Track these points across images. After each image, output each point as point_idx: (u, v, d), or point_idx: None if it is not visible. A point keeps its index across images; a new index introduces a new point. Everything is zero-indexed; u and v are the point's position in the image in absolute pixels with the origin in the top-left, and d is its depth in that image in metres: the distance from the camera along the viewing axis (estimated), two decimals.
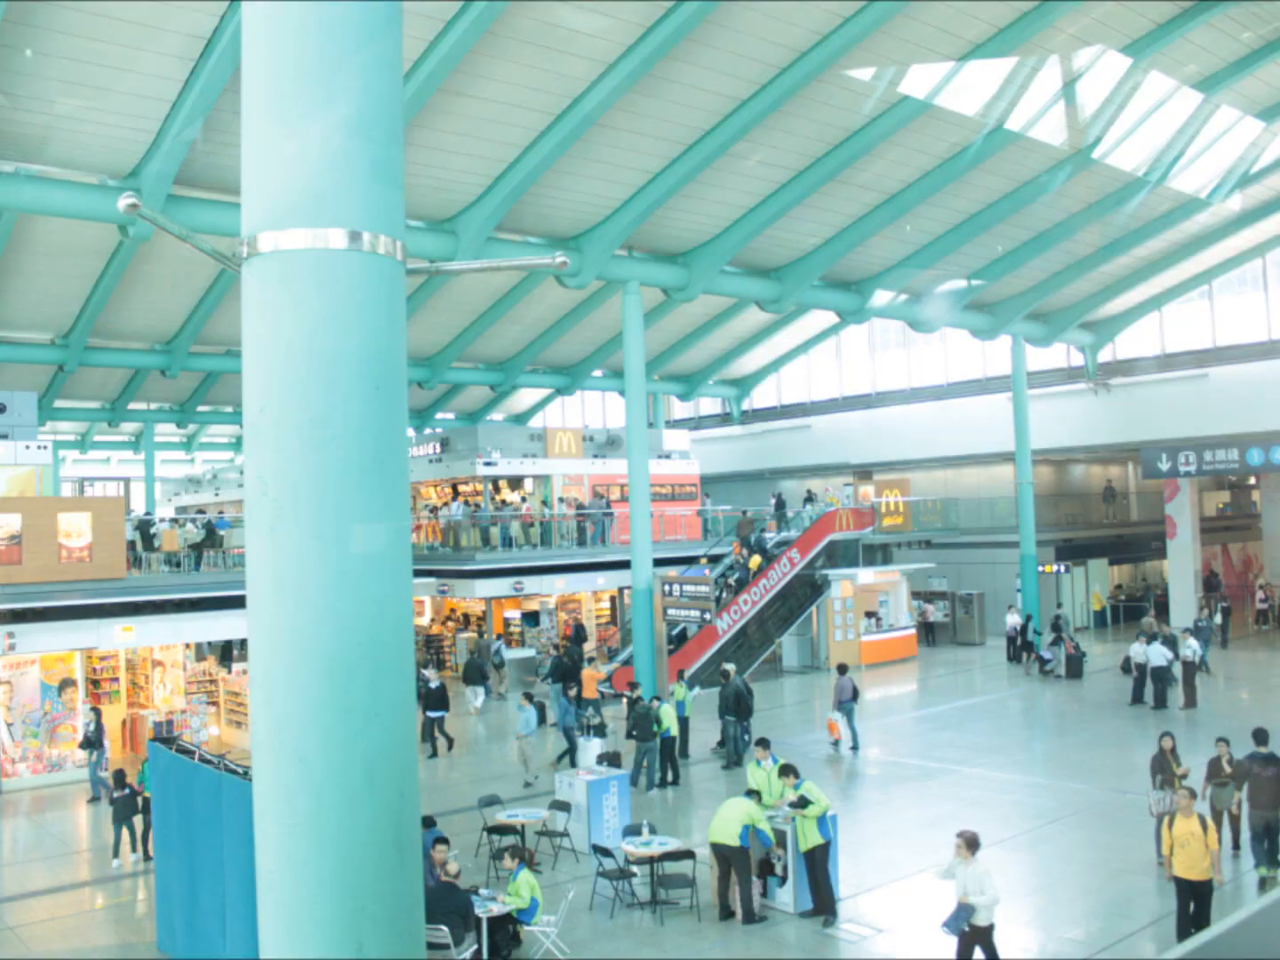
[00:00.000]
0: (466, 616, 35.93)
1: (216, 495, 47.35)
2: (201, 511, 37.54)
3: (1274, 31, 23.88)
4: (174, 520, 30.34)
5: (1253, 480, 46.73)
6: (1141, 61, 23.19)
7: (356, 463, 4.15)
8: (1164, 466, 35.39)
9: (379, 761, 4.12)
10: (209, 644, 29.32)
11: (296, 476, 4.11)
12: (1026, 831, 16.43)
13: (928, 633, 37.89)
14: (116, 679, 25.58)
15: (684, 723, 21.76)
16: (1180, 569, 39.35)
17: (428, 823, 13.87)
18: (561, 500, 35.72)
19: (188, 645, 26.46)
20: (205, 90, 17.59)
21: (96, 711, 22.01)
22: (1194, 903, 11.84)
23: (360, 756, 4.09)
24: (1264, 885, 13.63)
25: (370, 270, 4.24)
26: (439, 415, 48.45)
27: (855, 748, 22.15)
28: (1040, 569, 36.99)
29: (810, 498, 36.49)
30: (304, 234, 4.15)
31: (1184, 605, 39.22)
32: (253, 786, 4.24)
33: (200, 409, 43.09)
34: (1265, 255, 36.32)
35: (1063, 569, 39.60)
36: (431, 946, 11.01)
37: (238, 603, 22.97)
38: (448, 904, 11.42)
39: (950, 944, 11.00)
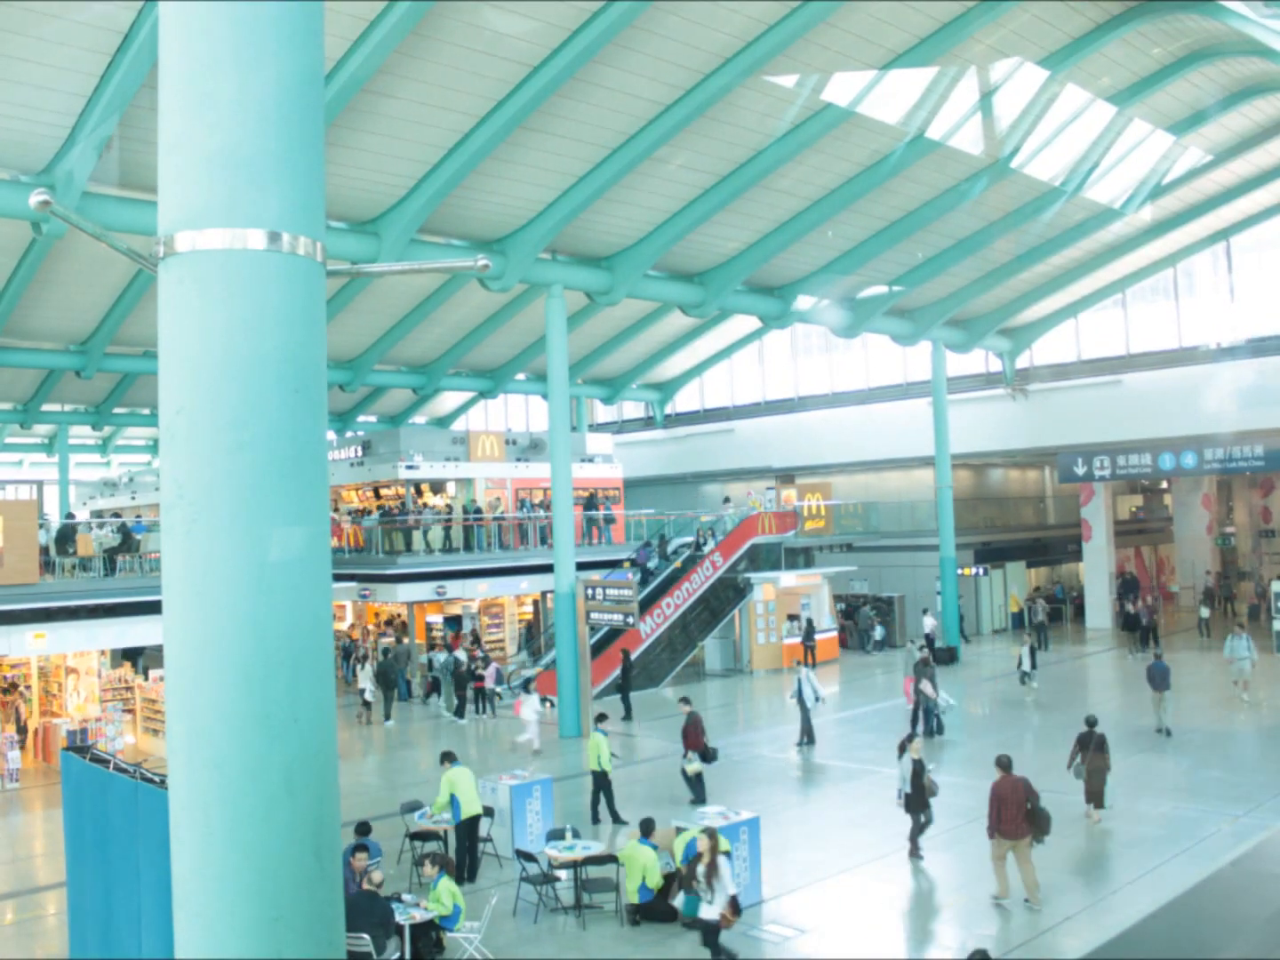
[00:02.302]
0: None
1: (133, 499, 46.47)
2: (118, 515, 36.80)
3: (1183, 48, 24.51)
4: (89, 524, 29.76)
5: (1165, 484, 47.86)
6: (1058, 74, 23.67)
7: (275, 466, 4.08)
8: (1079, 471, 36.16)
9: (298, 768, 4.06)
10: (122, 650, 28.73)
11: (213, 480, 4.03)
12: (947, 831, 16.64)
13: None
14: (29, 686, 24.99)
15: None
16: (1095, 571, 40.21)
17: (363, 829, 13.70)
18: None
19: (103, 652, 25.91)
20: (122, 85, 17.23)
21: None
22: None
23: (278, 764, 4.02)
24: None
25: (290, 271, 4.17)
26: (361, 418, 47.97)
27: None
28: (959, 572, 37.49)
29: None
30: (222, 234, 4.07)
31: (1099, 607, 40.12)
32: (168, 795, 4.16)
33: (116, 411, 42.19)
34: (1176, 265, 37.25)
35: (981, 571, 40.20)
36: (353, 956, 10.90)
37: (154, 608, 22.52)
38: (369, 912, 11.30)
39: (868, 947, 11.10)
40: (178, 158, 4.17)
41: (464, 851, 15.26)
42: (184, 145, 4.15)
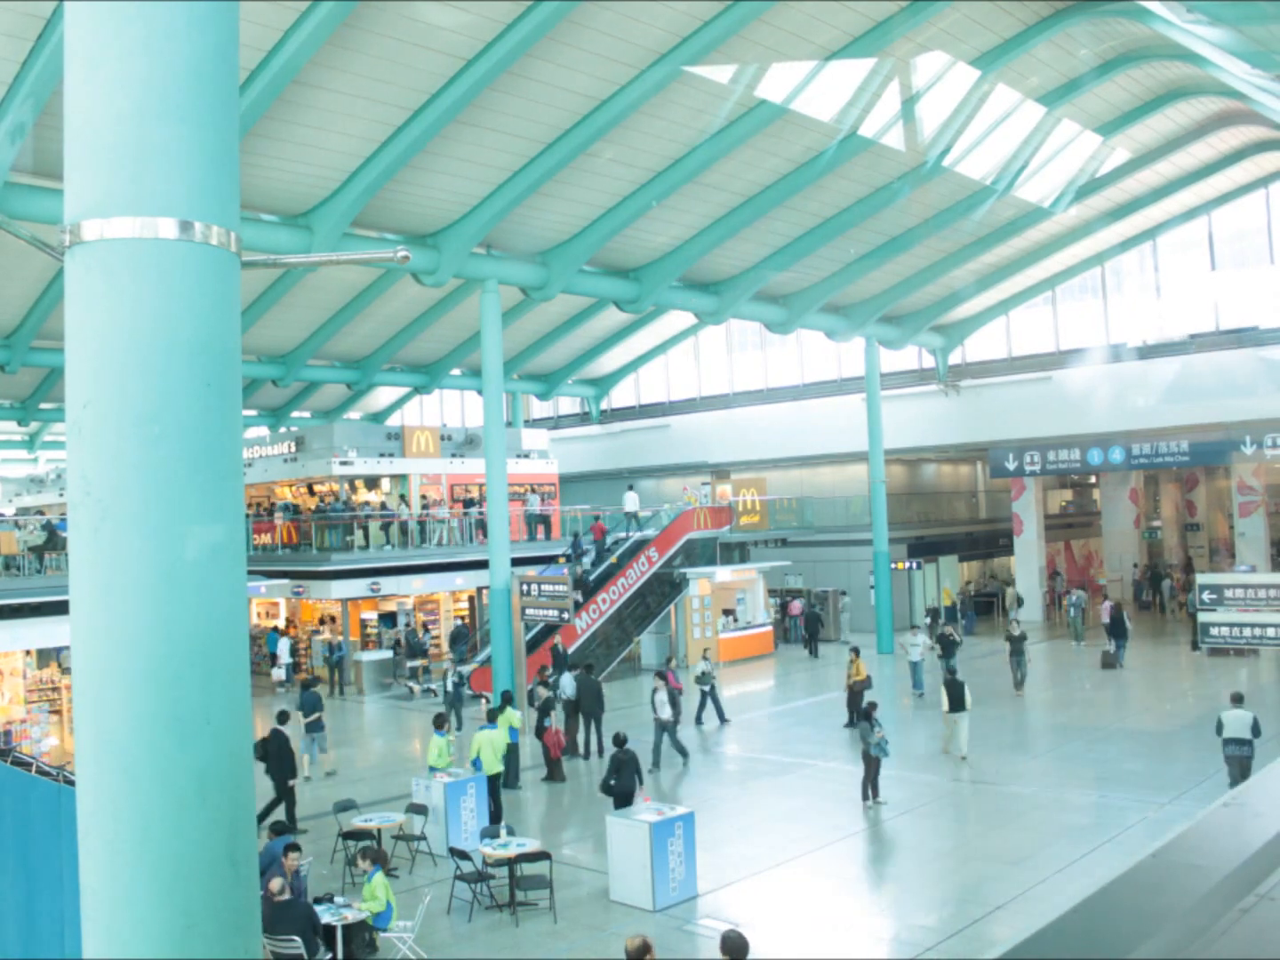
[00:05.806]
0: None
1: (61, 496, 45.56)
2: (41, 513, 36.08)
3: (1111, 50, 24.86)
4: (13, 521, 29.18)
5: (1093, 479, 48.62)
6: (989, 74, 23.89)
7: (186, 461, 3.97)
8: (1010, 466, 36.61)
9: (211, 772, 3.95)
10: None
11: (122, 476, 3.91)
12: (881, 822, 16.77)
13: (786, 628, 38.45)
14: None
15: (514, 749, 19.59)
16: (1026, 565, 40.75)
17: (279, 829, 13.51)
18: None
19: (28, 652, 25.37)
20: (44, 72, 16.83)
21: None
22: None
23: (191, 767, 3.91)
24: None
25: (202, 261, 4.06)
26: (294, 414, 47.45)
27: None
28: (893, 566, 37.78)
29: None
30: (131, 222, 3.94)
31: (1030, 599, 40.65)
32: (76, 801, 4.03)
33: (43, 406, 41.31)
34: (1104, 264, 37.82)
35: (915, 565, 40.57)
36: (284, 959, 10.74)
37: None
38: (287, 918, 11.01)
39: (803, 940, 11.14)
40: (84, 143, 4.03)
41: None
42: (91, 130, 4.02)
